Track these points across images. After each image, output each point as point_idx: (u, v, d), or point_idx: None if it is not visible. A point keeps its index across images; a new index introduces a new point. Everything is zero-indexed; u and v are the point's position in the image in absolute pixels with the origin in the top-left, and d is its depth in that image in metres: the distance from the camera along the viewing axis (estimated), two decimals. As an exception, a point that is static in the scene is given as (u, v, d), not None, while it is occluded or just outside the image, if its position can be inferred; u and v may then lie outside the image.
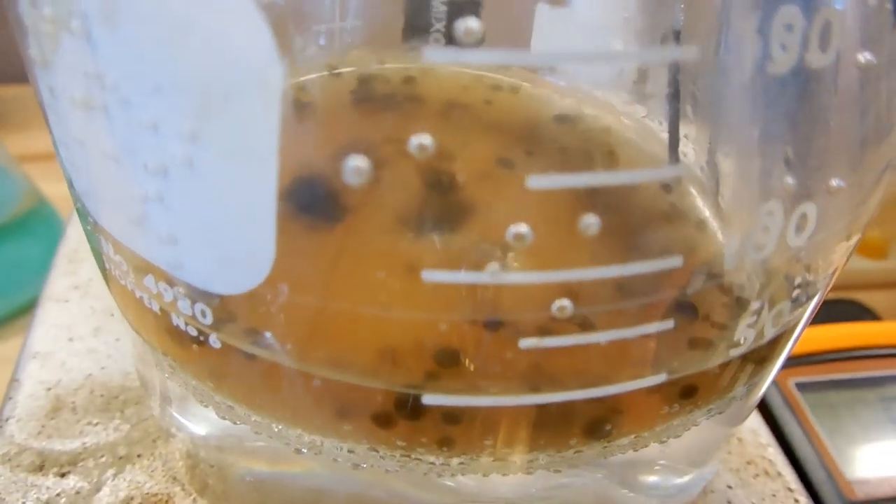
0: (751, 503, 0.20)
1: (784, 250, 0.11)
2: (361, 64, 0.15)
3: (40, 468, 0.19)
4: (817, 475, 0.28)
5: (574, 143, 0.14)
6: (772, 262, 0.11)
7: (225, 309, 0.11)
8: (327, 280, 0.11)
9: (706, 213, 0.12)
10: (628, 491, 0.16)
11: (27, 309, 0.39)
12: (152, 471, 0.19)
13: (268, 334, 0.11)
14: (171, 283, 0.11)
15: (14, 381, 0.21)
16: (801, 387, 0.30)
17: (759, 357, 0.13)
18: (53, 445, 0.19)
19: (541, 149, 0.14)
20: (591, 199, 0.10)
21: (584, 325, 0.11)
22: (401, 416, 0.12)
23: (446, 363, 0.11)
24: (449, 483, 0.14)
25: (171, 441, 0.18)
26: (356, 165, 0.09)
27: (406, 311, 0.11)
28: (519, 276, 0.10)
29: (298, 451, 0.13)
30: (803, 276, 0.12)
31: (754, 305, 0.12)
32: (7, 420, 0.20)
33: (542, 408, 0.12)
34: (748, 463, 0.21)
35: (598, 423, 0.12)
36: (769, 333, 0.12)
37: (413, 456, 0.12)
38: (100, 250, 0.13)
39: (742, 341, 0.12)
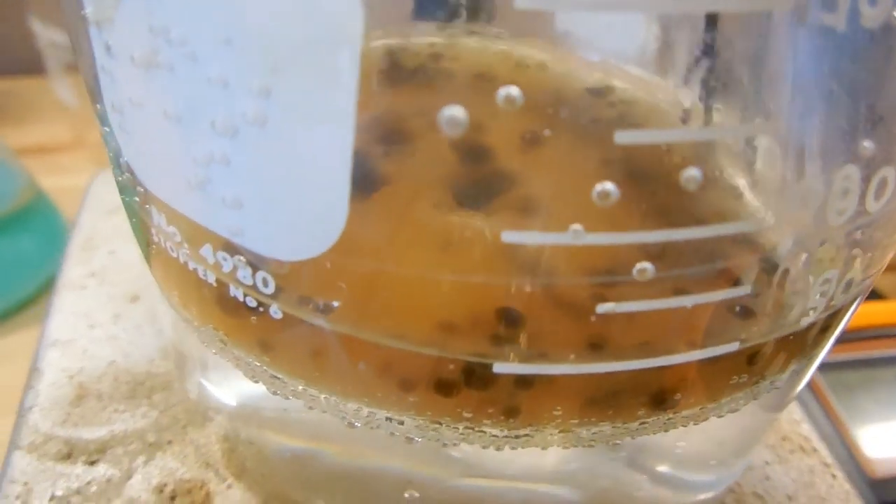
0: (790, 479, 0.20)
1: (862, 216, 0.11)
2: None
3: (68, 456, 0.18)
4: (838, 454, 0.28)
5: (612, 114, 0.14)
6: (848, 228, 0.11)
7: (288, 277, 0.11)
8: (399, 245, 0.10)
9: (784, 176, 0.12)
10: (648, 478, 0.16)
11: (26, 304, 0.38)
12: (184, 457, 0.18)
13: (334, 302, 0.11)
14: (231, 251, 0.11)
15: (34, 369, 0.20)
16: (819, 367, 0.30)
17: (824, 326, 0.13)
18: (80, 433, 0.18)
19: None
20: (670, 156, 0.10)
21: (663, 291, 0.11)
22: (469, 386, 0.11)
23: (520, 330, 0.11)
24: (458, 457, 0.14)
25: (207, 426, 0.18)
26: (452, 115, 0.08)
27: (482, 276, 0.10)
28: (602, 237, 0.10)
29: (351, 425, 0.13)
30: (874, 243, 0.12)
31: (829, 273, 0.12)
32: (30, 409, 0.19)
33: (612, 376, 0.11)
34: (783, 439, 0.21)
35: (666, 392, 0.12)
36: (839, 301, 0.12)
37: (477, 428, 0.12)
38: (148, 223, 0.12)
39: (813, 309, 0.12)
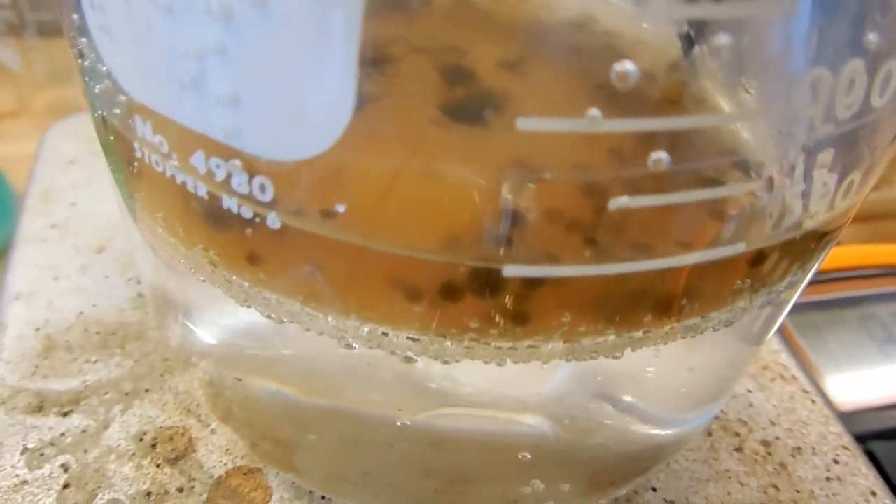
0: (771, 405, 0.20)
1: (867, 112, 0.11)
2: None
3: (39, 409, 0.17)
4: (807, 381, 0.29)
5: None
6: (851, 126, 0.11)
7: (289, 180, 0.10)
8: (407, 135, 0.10)
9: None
10: (622, 411, 0.16)
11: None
12: (163, 404, 0.18)
13: (338, 207, 0.10)
14: (225, 155, 0.10)
15: (-3, 323, 0.19)
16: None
17: (821, 235, 0.13)
18: (50, 385, 0.18)
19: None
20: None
21: (675, 185, 0.10)
22: (478, 292, 0.11)
23: (529, 231, 0.10)
24: (433, 385, 0.14)
25: (188, 372, 0.17)
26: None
27: (493, 169, 0.10)
28: (620, 123, 0.09)
29: (349, 346, 0.12)
30: (872, 146, 0.12)
31: (831, 174, 0.12)
32: (-5, 363, 0.18)
33: (621, 279, 0.11)
34: (764, 368, 0.21)
35: (672, 297, 0.12)
36: (839, 207, 0.12)
37: (482, 340, 0.12)
38: (129, 137, 0.11)
39: (814, 214, 0.12)
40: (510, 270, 0.11)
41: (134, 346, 0.19)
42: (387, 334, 0.12)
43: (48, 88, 0.45)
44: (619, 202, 0.10)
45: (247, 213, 0.11)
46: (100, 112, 0.12)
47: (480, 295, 0.11)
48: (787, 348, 0.30)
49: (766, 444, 0.19)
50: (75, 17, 0.11)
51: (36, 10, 0.41)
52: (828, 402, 0.28)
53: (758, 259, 0.12)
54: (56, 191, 0.23)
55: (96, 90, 0.12)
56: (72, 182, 0.23)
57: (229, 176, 0.10)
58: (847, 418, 0.28)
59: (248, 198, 0.11)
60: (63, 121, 0.26)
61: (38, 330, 0.19)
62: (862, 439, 0.27)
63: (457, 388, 0.14)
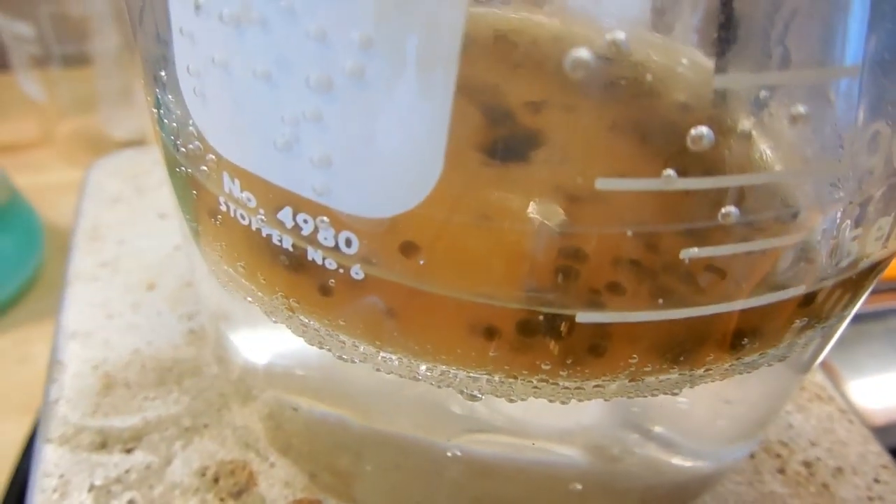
0: (810, 426, 0.20)
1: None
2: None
3: (103, 446, 0.18)
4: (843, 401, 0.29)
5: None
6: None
7: (374, 235, 0.11)
8: (490, 197, 0.10)
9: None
10: (654, 441, 0.16)
11: (6, 307, 0.37)
12: (223, 439, 0.18)
13: (420, 259, 0.11)
14: (314, 212, 0.11)
15: (56, 362, 0.20)
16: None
17: (873, 270, 0.13)
18: (112, 423, 0.18)
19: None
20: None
21: (739, 235, 0.11)
22: (552, 336, 0.11)
23: (603, 280, 0.11)
24: (472, 412, 0.14)
25: (247, 406, 0.17)
26: (578, 57, 0.08)
27: (573, 226, 0.10)
28: (693, 182, 0.10)
29: (417, 380, 0.13)
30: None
31: (886, 218, 0.12)
32: (56, 402, 0.19)
33: (686, 323, 0.12)
34: (801, 390, 0.22)
35: (735, 336, 0.12)
36: (892, 246, 0.13)
37: (551, 381, 0.12)
38: (215, 193, 0.12)
39: (869, 253, 0.12)
40: (584, 317, 0.11)
41: (190, 382, 0.19)
42: (457, 375, 0.12)
43: (72, 118, 0.46)
44: (689, 252, 0.11)
45: (331, 264, 0.11)
46: (182, 168, 0.13)
47: (554, 339, 0.11)
48: (819, 366, 0.30)
49: (807, 465, 0.20)
50: (163, 74, 0.12)
51: (61, 43, 0.42)
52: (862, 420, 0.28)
53: (815, 299, 0.13)
54: (103, 228, 0.24)
55: (182, 149, 0.12)
56: (118, 220, 0.24)
57: (316, 231, 0.11)
58: (878, 433, 0.28)
59: (334, 251, 0.11)
60: (104, 158, 0.26)
61: (95, 368, 0.19)
62: (893, 453, 0.27)
63: (500, 417, 0.14)
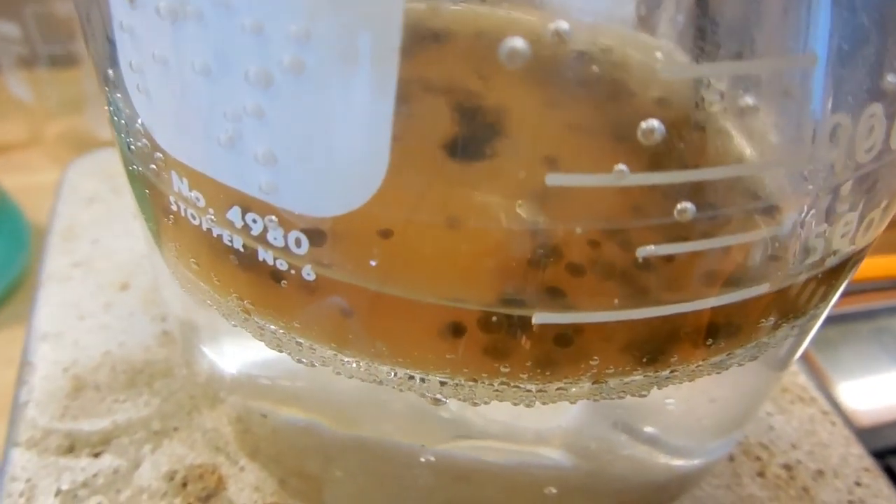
0: (791, 428, 0.20)
1: (887, 153, 0.11)
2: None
3: (71, 450, 0.17)
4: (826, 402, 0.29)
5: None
6: (872, 168, 0.11)
7: (323, 234, 0.10)
8: (440, 193, 0.10)
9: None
10: (635, 439, 0.16)
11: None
12: (192, 442, 0.18)
13: (372, 260, 0.10)
14: (262, 211, 0.11)
15: (25, 364, 0.19)
16: (801, 324, 0.31)
17: (842, 268, 0.13)
18: (81, 426, 0.18)
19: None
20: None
21: (701, 232, 0.11)
22: (510, 339, 0.11)
23: (560, 280, 0.11)
24: (454, 418, 0.14)
25: (216, 409, 0.17)
26: (513, 46, 0.08)
27: (524, 223, 0.10)
28: (647, 177, 0.10)
29: (379, 383, 0.12)
30: (892, 185, 0.12)
31: (852, 213, 0.12)
32: (26, 404, 0.18)
33: (649, 322, 0.11)
34: (783, 391, 0.21)
35: (699, 337, 0.12)
36: (860, 242, 0.12)
37: (513, 384, 0.12)
38: (165, 192, 0.12)
39: (836, 249, 0.12)
40: (540, 318, 0.11)
41: (161, 384, 0.19)
42: (418, 378, 0.12)
43: (59, 119, 0.46)
44: (646, 251, 0.10)
45: (282, 265, 0.11)
46: (135, 167, 0.12)
47: (511, 341, 0.11)
48: (803, 364, 0.30)
49: (788, 468, 0.19)
50: (111, 72, 0.12)
51: (48, 43, 0.42)
52: (846, 419, 0.28)
53: (781, 297, 0.12)
54: (78, 228, 0.23)
55: (131, 147, 0.12)
56: (93, 219, 0.24)
57: (265, 230, 0.11)
58: (864, 434, 0.28)
59: (284, 251, 0.11)
60: (81, 158, 0.26)
61: (66, 370, 0.19)
62: (880, 455, 0.27)
63: (477, 421, 0.14)
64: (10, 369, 0.35)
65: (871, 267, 0.33)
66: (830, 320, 0.31)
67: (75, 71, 0.43)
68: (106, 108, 0.13)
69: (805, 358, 0.30)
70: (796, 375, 0.22)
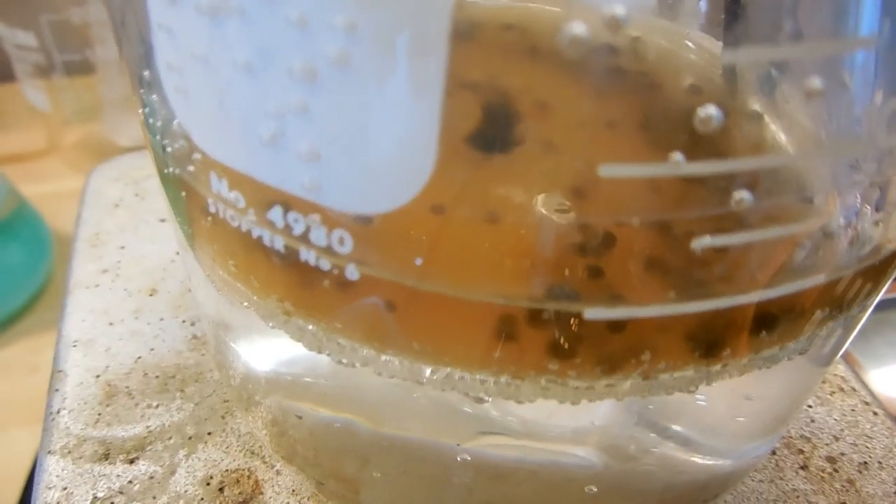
0: (833, 419, 0.20)
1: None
2: None
3: (105, 457, 0.17)
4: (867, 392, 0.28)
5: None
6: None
7: (369, 232, 0.10)
8: (486, 188, 0.10)
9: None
10: (672, 440, 0.16)
11: (16, 316, 0.37)
12: (227, 447, 0.18)
13: (418, 258, 0.10)
14: (304, 210, 0.10)
15: (57, 372, 0.19)
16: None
17: (894, 259, 0.13)
18: (115, 433, 0.18)
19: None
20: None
21: (753, 222, 0.10)
22: (558, 334, 0.11)
23: (612, 273, 0.10)
24: (481, 415, 0.13)
25: (251, 412, 0.17)
26: (574, 34, 0.08)
27: (576, 216, 0.10)
28: (702, 166, 0.09)
29: (421, 383, 0.12)
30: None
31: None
32: (58, 412, 0.18)
33: (700, 317, 0.11)
34: (823, 382, 0.21)
35: (752, 329, 0.12)
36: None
37: (560, 381, 0.12)
38: (203, 193, 0.11)
39: (892, 237, 0.12)
40: (591, 313, 0.11)
41: (193, 388, 0.19)
42: (462, 377, 0.12)
43: (77, 126, 0.46)
44: (702, 242, 0.10)
45: (325, 265, 0.11)
46: (171, 169, 0.12)
47: (561, 337, 0.11)
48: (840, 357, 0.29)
49: (831, 460, 0.19)
50: (146, 73, 0.12)
51: (63, 51, 0.42)
52: (887, 410, 0.27)
53: (833, 288, 0.12)
54: (104, 234, 0.23)
55: (168, 149, 0.12)
56: (119, 226, 0.24)
57: (307, 230, 0.11)
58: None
59: (327, 251, 0.11)
60: (104, 164, 0.26)
61: (98, 377, 0.19)
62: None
63: (513, 420, 0.14)
64: (36, 376, 0.36)
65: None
66: (862, 309, 0.31)
67: (91, 78, 0.43)
68: (140, 111, 0.12)
69: (838, 348, 0.29)
70: (836, 366, 0.21)
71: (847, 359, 0.29)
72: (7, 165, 0.42)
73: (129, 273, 0.22)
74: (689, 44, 0.14)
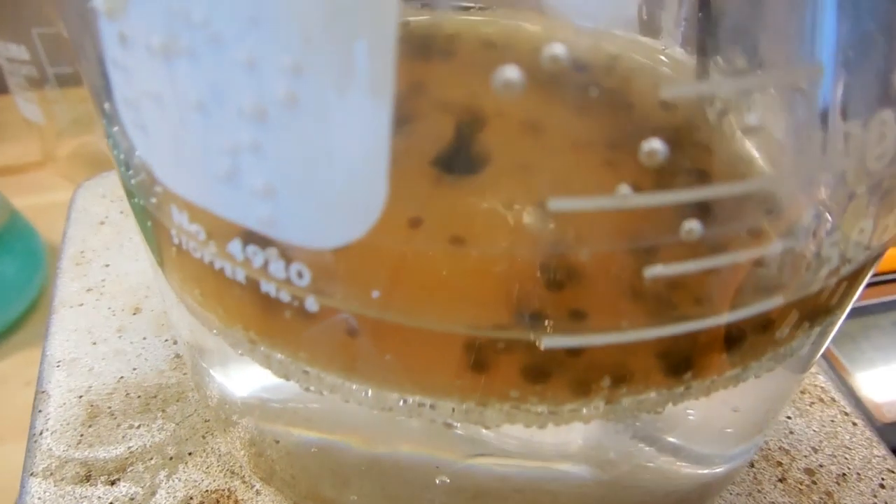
0: (812, 430, 0.20)
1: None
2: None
3: (87, 478, 0.17)
4: (847, 402, 0.28)
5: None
6: (884, 175, 0.11)
7: (326, 265, 0.10)
8: (440, 219, 0.10)
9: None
10: (655, 449, 0.16)
11: (9, 329, 0.37)
12: (207, 467, 0.18)
13: (375, 290, 0.10)
14: (263, 244, 0.10)
15: (40, 392, 0.20)
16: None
17: (858, 274, 0.13)
18: (97, 454, 0.18)
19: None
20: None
21: (708, 249, 0.10)
22: (518, 363, 0.11)
23: (567, 303, 0.11)
24: (462, 436, 0.13)
25: (230, 432, 0.17)
26: (507, 78, 0.08)
27: (528, 248, 0.10)
28: (651, 198, 0.09)
29: (389, 410, 0.12)
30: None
31: (866, 221, 0.11)
32: (41, 434, 0.18)
33: (659, 342, 0.11)
34: (802, 392, 0.21)
35: (713, 353, 0.12)
36: (875, 248, 0.12)
37: (522, 407, 0.12)
38: (166, 225, 0.12)
39: (851, 257, 0.12)
40: (548, 342, 0.11)
41: (175, 408, 0.19)
42: (428, 405, 0.12)
43: (70, 138, 0.46)
44: (653, 271, 0.10)
45: (285, 297, 0.11)
46: (136, 199, 0.12)
47: (520, 365, 0.11)
48: (823, 363, 0.29)
49: (809, 472, 0.19)
50: (107, 106, 0.12)
51: (55, 64, 0.42)
52: (868, 417, 0.27)
53: (797, 307, 0.12)
54: (89, 252, 0.24)
55: (132, 180, 0.12)
56: (104, 243, 0.24)
57: (266, 263, 0.11)
58: (887, 429, 0.28)
59: (286, 283, 0.11)
60: (90, 181, 0.26)
61: (80, 397, 0.19)
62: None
63: (493, 439, 0.14)
64: (29, 389, 0.36)
65: (891, 259, 0.32)
66: (850, 313, 0.31)
67: (84, 90, 0.43)
68: (105, 139, 0.13)
69: (825, 354, 0.29)
70: (815, 376, 0.21)
71: (834, 364, 0.29)
72: (1, 178, 0.42)
73: (113, 291, 0.22)
74: (664, 58, 0.15)
